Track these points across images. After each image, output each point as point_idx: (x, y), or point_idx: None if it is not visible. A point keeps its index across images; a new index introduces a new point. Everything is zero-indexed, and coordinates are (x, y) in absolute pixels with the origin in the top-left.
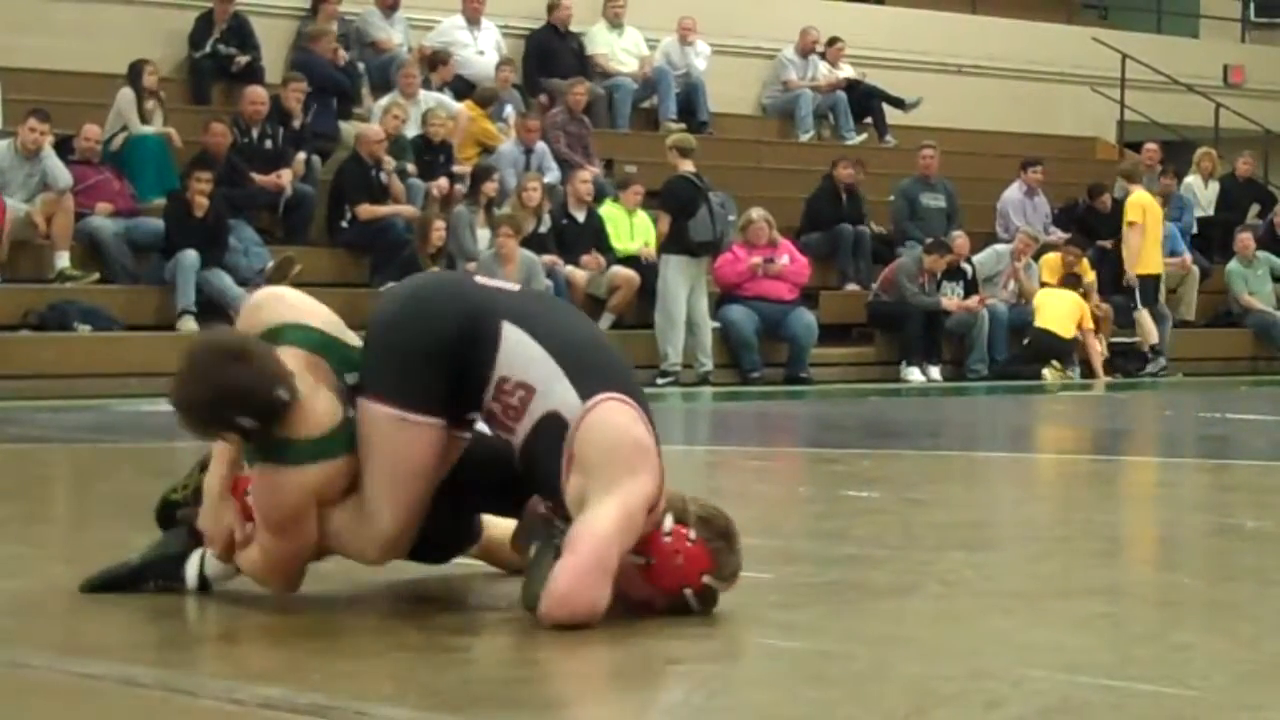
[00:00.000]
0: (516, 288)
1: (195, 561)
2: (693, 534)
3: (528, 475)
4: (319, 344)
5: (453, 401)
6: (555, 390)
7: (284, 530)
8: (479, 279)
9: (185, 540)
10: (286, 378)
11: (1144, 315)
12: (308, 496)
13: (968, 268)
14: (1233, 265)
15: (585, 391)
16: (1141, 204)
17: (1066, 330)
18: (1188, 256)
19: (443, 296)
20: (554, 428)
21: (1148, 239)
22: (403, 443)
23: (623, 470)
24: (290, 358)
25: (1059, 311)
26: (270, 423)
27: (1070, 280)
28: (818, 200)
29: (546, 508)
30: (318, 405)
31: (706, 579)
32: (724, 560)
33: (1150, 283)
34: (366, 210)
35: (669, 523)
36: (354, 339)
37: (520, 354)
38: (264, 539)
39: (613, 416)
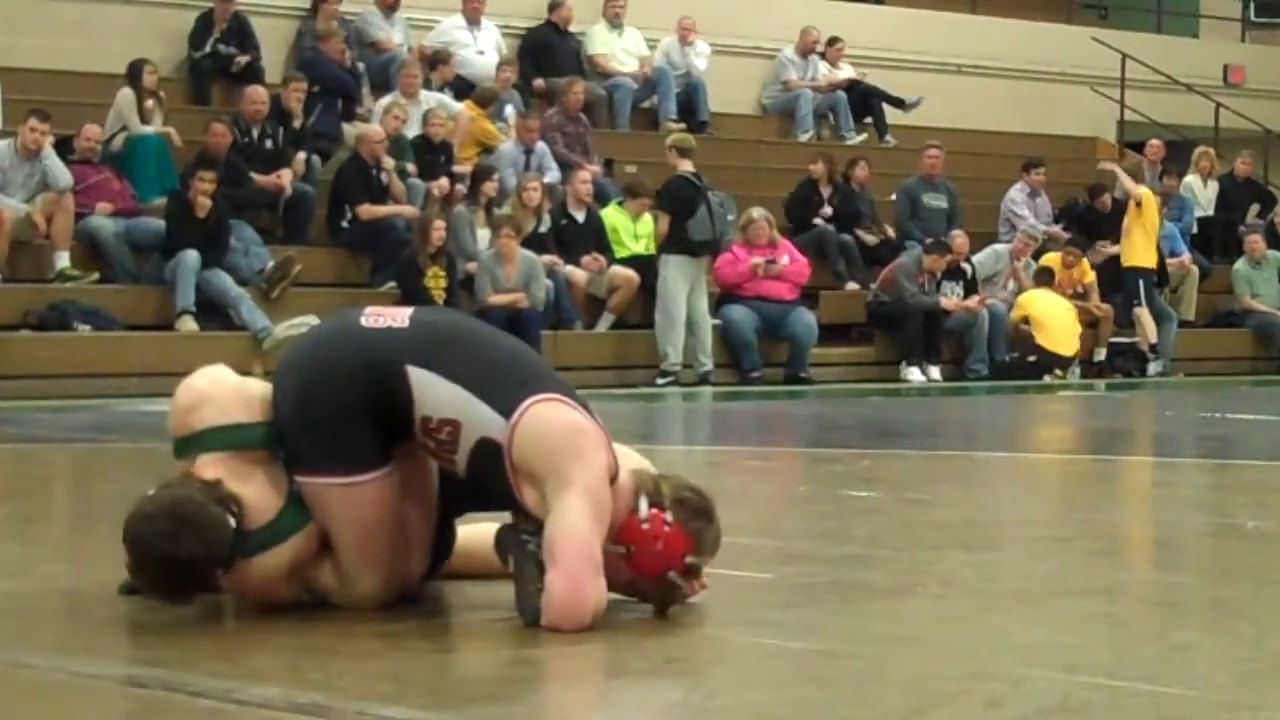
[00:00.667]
0: (407, 322)
1: None
2: (669, 517)
3: (482, 499)
4: (241, 440)
5: (387, 448)
6: (478, 417)
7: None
8: (368, 320)
9: None
10: (229, 507)
11: (1144, 313)
12: (277, 576)
13: (967, 267)
14: (1240, 265)
15: (506, 408)
16: (1148, 195)
17: (1068, 348)
18: (1187, 256)
19: (339, 356)
20: (489, 450)
21: (1145, 234)
22: (355, 505)
23: (568, 458)
24: (213, 464)
25: (1060, 326)
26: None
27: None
28: (793, 200)
29: (515, 516)
30: (251, 499)
31: (689, 559)
32: (704, 537)
33: (1147, 276)
34: (367, 210)
35: (644, 508)
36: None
37: (432, 393)
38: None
39: (538, 418)
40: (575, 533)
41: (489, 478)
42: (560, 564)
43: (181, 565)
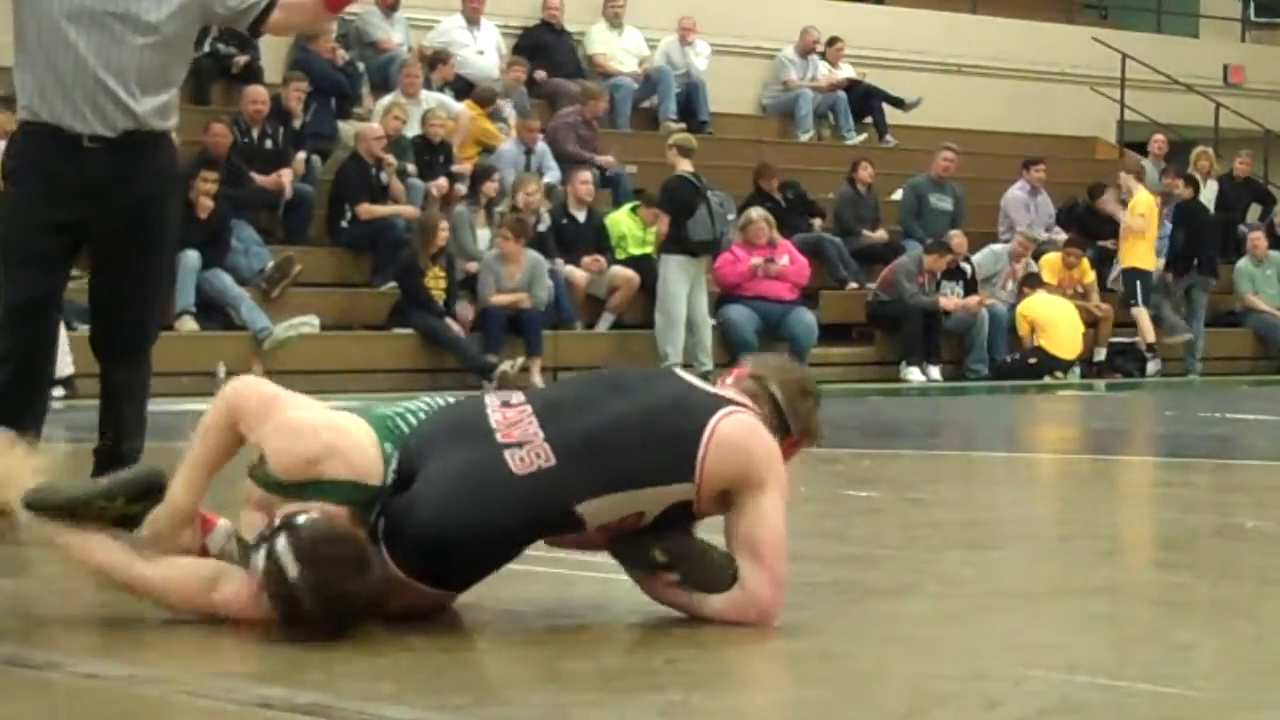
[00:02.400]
0: (551, 454)
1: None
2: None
3: (651, 532)
4: (358, 499)
5: None
6: (660, 497)
7: None
8: (514, 460)
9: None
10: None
11: (1142, 313)
12: None
13: (967, 267)
14: (1242, 264)
15: (684, 473)
16: (1147, 202)
17: (1071, 353)
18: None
19: (500, 520)
20: (677, 507)
21: (1145, 236)
22: (430, 598)
23: (761, 467)
24: (317, 509)
25: (1064, 329)
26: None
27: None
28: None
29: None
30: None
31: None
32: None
33: (1145, 276)
34: (367, 210)
35: None
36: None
37: (607, 510)
38: None
39: (719, 451)
40: (780, 534)
41: (675, 516)
42: (768, 562)
43: (362, 601)
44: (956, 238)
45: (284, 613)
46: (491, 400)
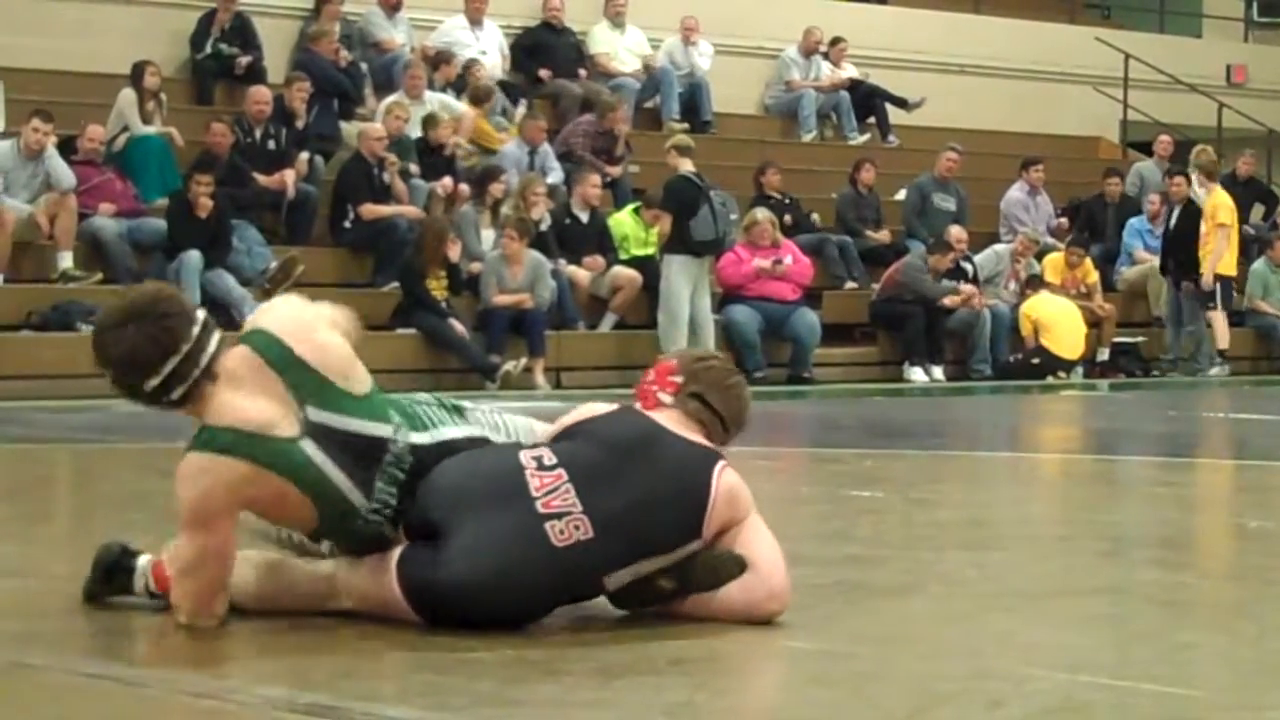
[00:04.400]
0: (590, 526)
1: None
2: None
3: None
4: (280, 359)
5: None
6: (677, 555)
7: (196, 525)
8: (554, 533)
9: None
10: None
11: (1219, 318)
12: (218, 488)
13: (968, 266)
14: (1259, 265)
15: (693, 531)
16: (1227, 204)
17: (1074, 353)
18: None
19: (536, 582)
20: (692, 553)
21: (1230, 239)
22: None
23: (748, 506)
24: (236, 357)
25: (1066, 329)
26: (180, 381)
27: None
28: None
29: None
30: (236, 400)
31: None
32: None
33: (1226, 282)
34: (370, 210)
35: None
36: (357, 381)
37: (627, 576)
38: (180, 546)
39: (720, 506)
40: (773, 539)
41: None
42: (770, 553)
43: (142, 348)
44: (956, 232)
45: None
46: (526, 460)
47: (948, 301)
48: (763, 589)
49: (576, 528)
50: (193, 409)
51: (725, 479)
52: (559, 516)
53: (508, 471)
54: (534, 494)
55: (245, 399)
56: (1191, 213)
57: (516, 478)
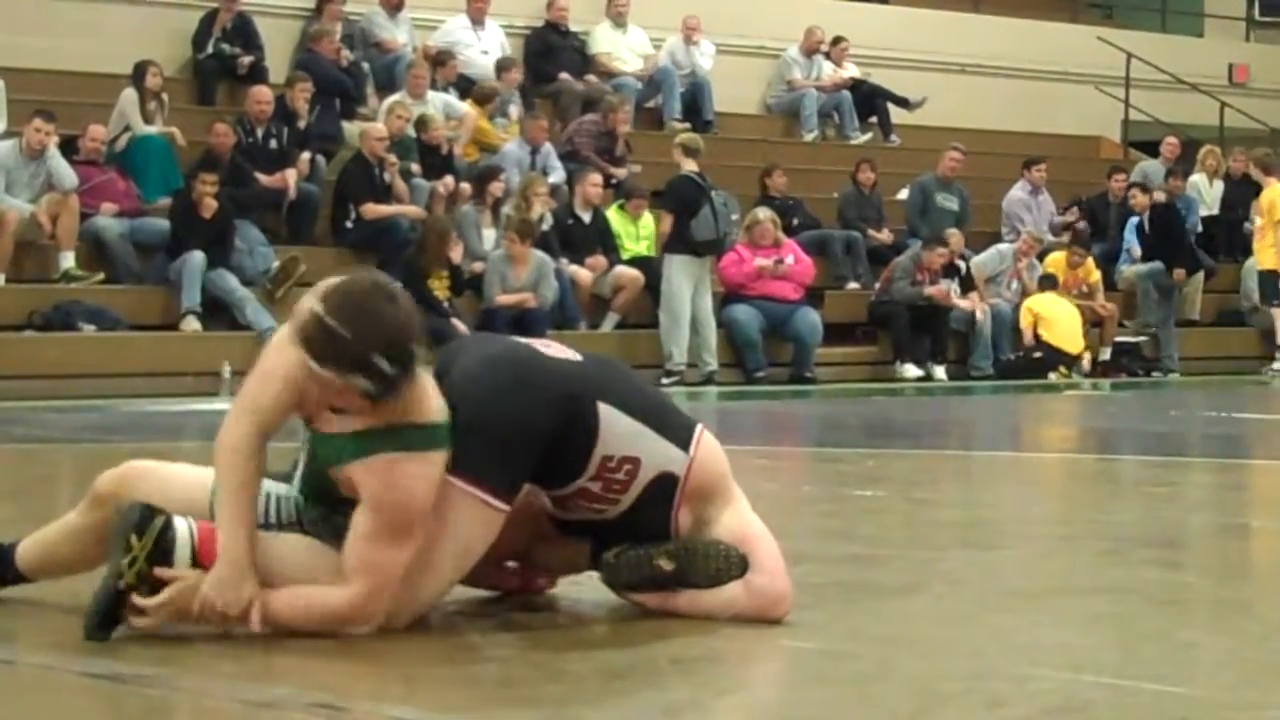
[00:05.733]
0: (581, 357)
1: None
2: None
3: (623, 532)
4: None
5: (519, 489)
6: (657, 452)
7: (406, 533)
8: (547, 351)
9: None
10: (422, 337)
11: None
12: (431, 488)
13: (961, 265)
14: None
15: (682, 441)
16: None
17: (1075, 346)
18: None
19: (539, 380)
20: (664, 485)
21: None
22: (480, 528)
23: (729, 476)
24: None
25: (1066, 325)
26: (398, 383)
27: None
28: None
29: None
30: (430, 390)
31: None
32: None
33: (1275, 277)
34: (371, 210)
35: None
36: None
37: (616, 430)
38: (377, 554)
39: (709, 444)
40: (764, 529)
41: (649, 510)
42: (769, 549)
43: (379, 324)
44: (954, 236)
45: (322, 350)
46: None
47: (930, 292)
48: (770, 593)
49: (566, 352)
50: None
51: (703, 448)
52: (548, 346)
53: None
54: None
55: (433, 390)
56: (1173, 210)
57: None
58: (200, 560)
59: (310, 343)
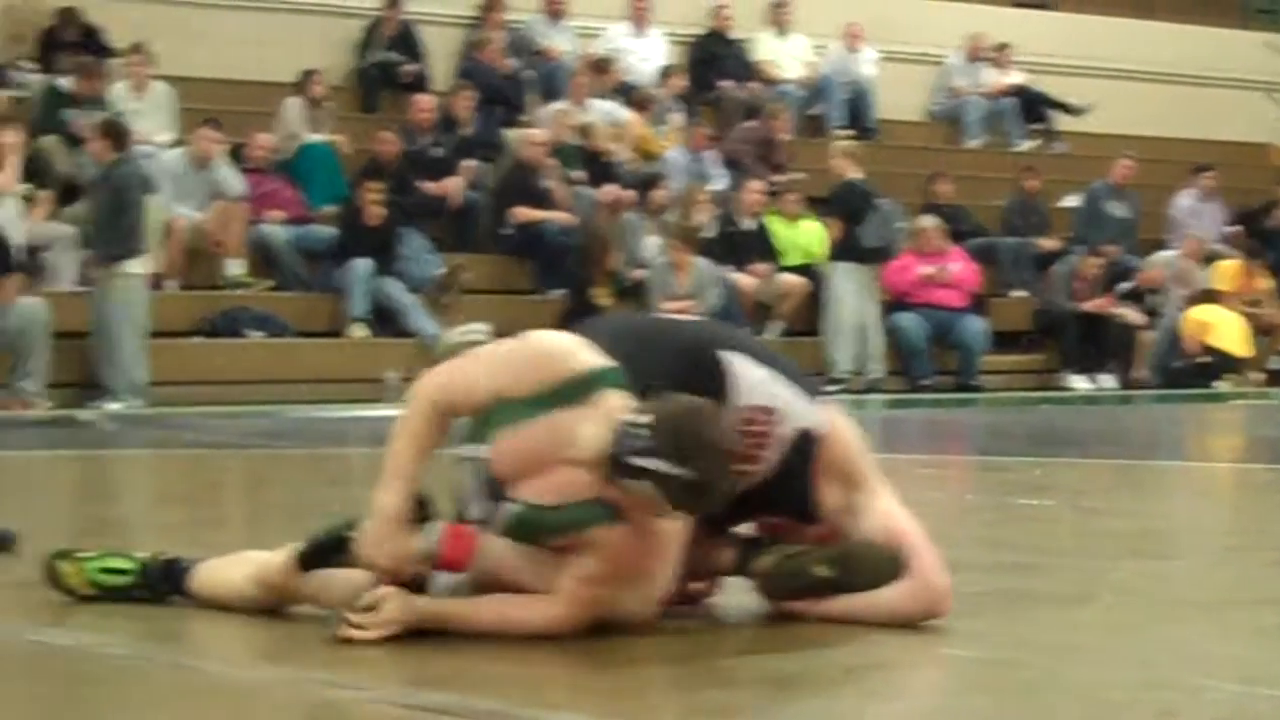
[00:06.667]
0: (697, 318)
1: None
2: None
3: (770, 501)
4: (619, 381)
5: None
6: (794, 405)
7: (632, 586)
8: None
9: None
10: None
11: None
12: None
13: (1133, 274)
14: None
15: (813, 396)
16: None
17: (1242, 349)
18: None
19: (659, 339)
20: (805, 445)
21: None
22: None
23: (868, 460)
24: (613, 404)
25: (1233, 333)
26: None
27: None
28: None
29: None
30: None
31: None
32: None
33: None
34: (522, 214)
35: None
36: None
37: (747, 379)
38: (593, 593)
39: (844, 419)
40: (918, 526)
41: (791, 479)
42: (923, 546)
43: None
44: (1121, 244)
45: (690, 506)
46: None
47: (1088, 307)
48: (932, 593)
49: (683, 313)
50: None
51: (838, 418)
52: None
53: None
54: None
55: None
56: None
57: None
58: (441, 559)
59: (711, 494)
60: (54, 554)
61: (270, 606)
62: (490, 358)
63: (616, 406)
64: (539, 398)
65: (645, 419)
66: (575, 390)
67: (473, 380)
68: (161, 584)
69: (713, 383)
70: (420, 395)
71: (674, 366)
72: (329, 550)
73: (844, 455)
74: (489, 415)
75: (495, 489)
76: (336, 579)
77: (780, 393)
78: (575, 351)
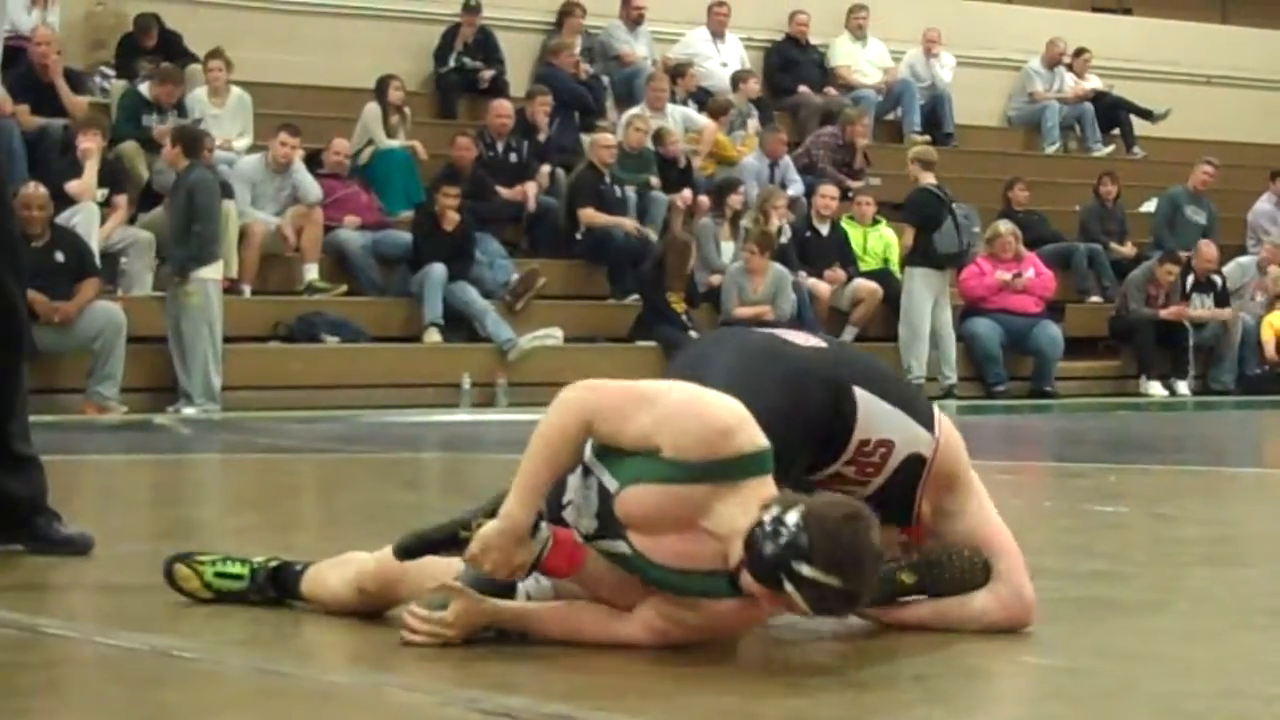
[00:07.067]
0: (825, 344)
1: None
2: None
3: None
4: (767, 468)
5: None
6: (910, 434)
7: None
8: (795, 339)
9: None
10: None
11: None
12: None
13: (1218, 279)
14: None
15: (927, 422)
16: None
17: None
18: None
19: (803, 371)
20: (913, 467)
21: None
22: None
23: (968, 466)
24: (757, 488)
25: None
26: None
27: None
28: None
29: None
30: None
31: None
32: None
33: None
34: (589, 216)
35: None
36: None
37: (872, 413)
38: (679, 628)
39: (950, 428)
40: (1004, 527)
41: (896, 495)
42: (1012, 550)
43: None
44: (1204, 247)
45: (832, 612)
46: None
47: (1165, 315)
48: (1022, 602)
49: (812, 339)
50: None
51: (946, 431)
52: (793, 335)
53: (720, 335)
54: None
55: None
56: None
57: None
58: (544, 565)
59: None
60: (173, 557)
61: (368, 610)
62: (656, 403)
63: (763, 495)
64: (691, 468)
65: (793, 517)
66: (728, 471)
67: (630, 418)
68: (270, 589)
69: (840, 418)
70: (572, 409)
71: (823, 405)
72: (436, 545)
73: (949, 466)
74: (631, 455)
75: (610, 520)
76: (429, 580)
77: (900, 424)
78: (742, 430)
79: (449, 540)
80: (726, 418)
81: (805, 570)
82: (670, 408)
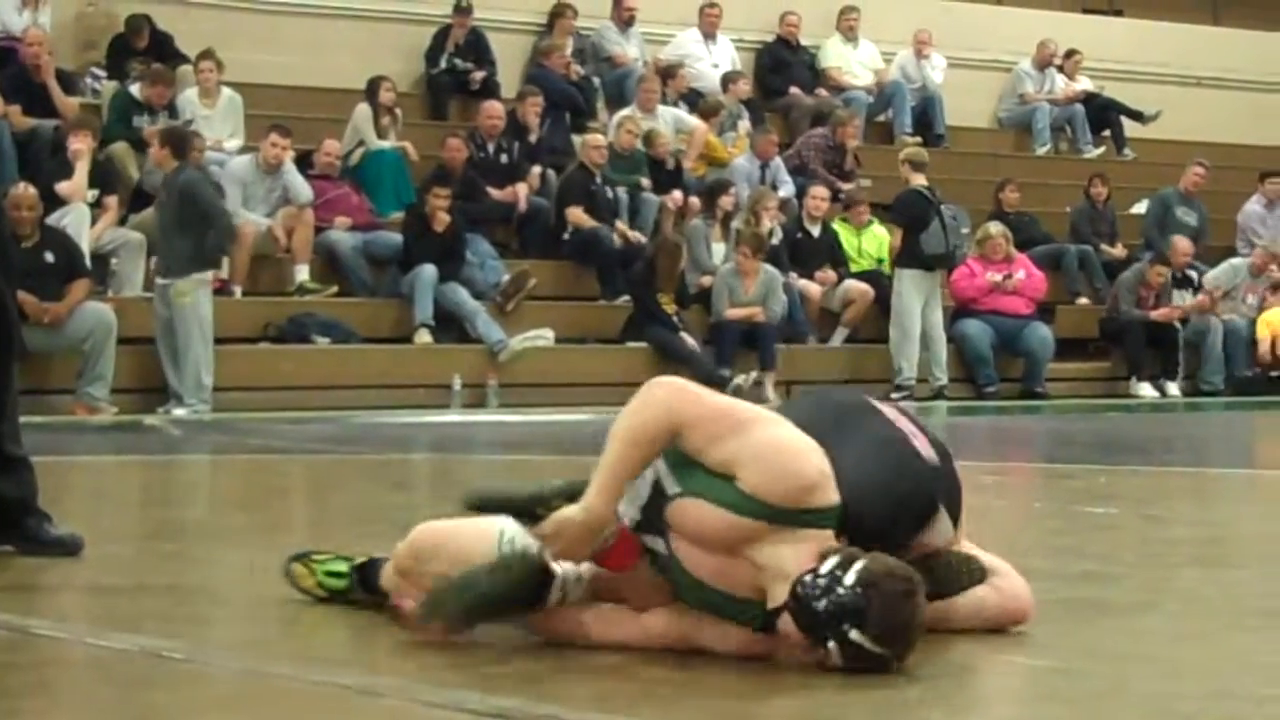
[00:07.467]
0: (935, 455)
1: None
2: None
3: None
4: (837, 524)
5: None
6: (947, 539)
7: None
8: (923, 449)
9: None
10: None
11: None
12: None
13: (1194, 275)
14: None
15: (957, 520)
16: None
17: None
18: None
19: (915, 491)
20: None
21: None
22: None
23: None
24: (816, 537)
25: None
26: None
27: None
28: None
29: None
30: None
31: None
32: None
33: None
34: (575, 216)
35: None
36: None
37: (939, 529)
38: (692, 642)
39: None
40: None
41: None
42: (1005, 563)
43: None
44: (1181, 242)
45: (863, 671)
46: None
47: (1156, 316)
48: (1019, 594)
49: (924, 447)
50: None
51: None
52: (914, 435)
53: (852, 401)
54: (888, 417)
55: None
56: None
57: (864, 403)
58: (601, 558)
59: (820, 624)
60: (292, 556)
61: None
62: (747, 433)
63: (821, 544)
64: (763, 508)
65: (851, 579)
66: (798, 520)
67: (718, 441)
68: (360, 588)
69: (920, 532)
70: (661, 414)
71: (904, 512)
72: (507, 508)
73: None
74: (705, 471)
75: (657, 518)
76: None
77: (946, 530)
78: (822, 486)
79: (522, 510)
80: (813, 474)
81: (854, 635)
82: (760, 444)
